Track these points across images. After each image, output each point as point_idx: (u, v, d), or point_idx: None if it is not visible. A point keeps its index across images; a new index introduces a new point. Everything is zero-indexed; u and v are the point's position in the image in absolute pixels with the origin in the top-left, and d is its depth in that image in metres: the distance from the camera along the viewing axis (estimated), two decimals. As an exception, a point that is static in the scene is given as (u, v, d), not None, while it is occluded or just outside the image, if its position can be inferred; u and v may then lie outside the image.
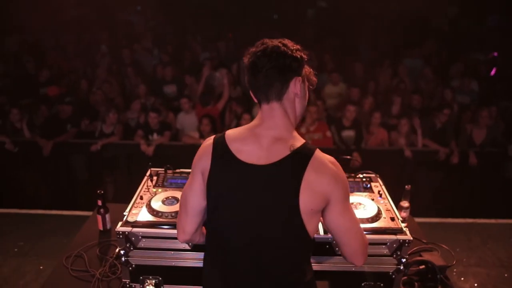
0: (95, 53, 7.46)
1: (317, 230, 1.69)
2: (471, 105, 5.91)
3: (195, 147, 1.56)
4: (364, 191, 2.15)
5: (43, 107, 5.57)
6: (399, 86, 6.29)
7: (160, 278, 1.90)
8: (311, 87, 1.52)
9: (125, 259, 1.87)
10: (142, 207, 1.96)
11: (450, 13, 9.44)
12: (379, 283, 1.88)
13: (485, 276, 3.65)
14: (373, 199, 2.05)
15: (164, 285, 1.91)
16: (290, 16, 9.75)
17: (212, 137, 1.49)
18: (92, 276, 2.04)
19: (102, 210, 2.37)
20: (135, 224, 1.85)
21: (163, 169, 2.31)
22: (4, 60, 6.96)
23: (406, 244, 1.79)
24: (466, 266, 3.76)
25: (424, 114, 5.45)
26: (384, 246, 1.81)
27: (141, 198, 2.04)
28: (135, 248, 1.84)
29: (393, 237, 1.80)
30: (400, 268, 1.84)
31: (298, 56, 1.39)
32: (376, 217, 1.89)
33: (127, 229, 1.82)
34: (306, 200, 1.33)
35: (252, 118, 4.56)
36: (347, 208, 1.41)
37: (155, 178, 2.24)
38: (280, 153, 1.36)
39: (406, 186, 2.40)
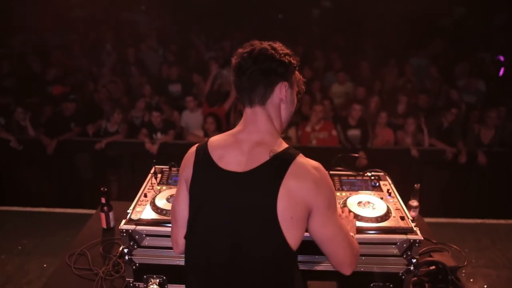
0: (100, 52, 7.47)
1: None
2: (478, 104, 5.86)
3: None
4: (372, 190, 2.11)
5: (48, 106, 5.57)
6: (405, 85, 6.25)
7: (164, 277, 1.86)
8: (299, 95, 1.48)
9: (128, 258, 1.83)
10: (146, 205, 1.93)
11: (456, 13, 9.41)
12: (389, 284, 1.83)
13: (495, 277, 3.59)
14: (382, 198, 2.01)
15: (168, 285, 1.88)
16: (295, 15, 9.72)
17: (196, 145, 1.46)
18: (95, 275, 2.01)
19: (105, 208, 2.34)
20: (139, 222, 1.82)
21: (167, 167, 2.27)
22: (10, 59, 6.98)
23: (417, 244, 1.75)
24: (475, 267, 3.71)
25: (431, 114, 5.41)
26: (393, 246, 1.76)
27: (145, 195, 2.00)
28: (139, 246, 1.81)
29: (403, 236, 1.75)
30: (410, 268, 1.79)
31: (286, 61, 1.35)
32: (385, 216, 1.85)
33: (131, 227, 1.79)
34: (285, 207, 1.26)
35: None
36: (331, 216, 1.33)
37: (159, 175, 2.21)
38: (260, 158, 1.31)
39: (415, 185, 2.36)
